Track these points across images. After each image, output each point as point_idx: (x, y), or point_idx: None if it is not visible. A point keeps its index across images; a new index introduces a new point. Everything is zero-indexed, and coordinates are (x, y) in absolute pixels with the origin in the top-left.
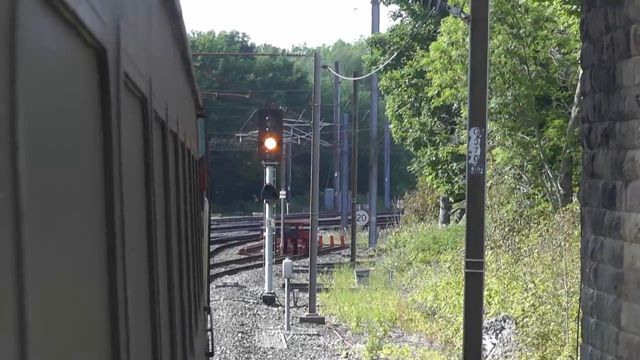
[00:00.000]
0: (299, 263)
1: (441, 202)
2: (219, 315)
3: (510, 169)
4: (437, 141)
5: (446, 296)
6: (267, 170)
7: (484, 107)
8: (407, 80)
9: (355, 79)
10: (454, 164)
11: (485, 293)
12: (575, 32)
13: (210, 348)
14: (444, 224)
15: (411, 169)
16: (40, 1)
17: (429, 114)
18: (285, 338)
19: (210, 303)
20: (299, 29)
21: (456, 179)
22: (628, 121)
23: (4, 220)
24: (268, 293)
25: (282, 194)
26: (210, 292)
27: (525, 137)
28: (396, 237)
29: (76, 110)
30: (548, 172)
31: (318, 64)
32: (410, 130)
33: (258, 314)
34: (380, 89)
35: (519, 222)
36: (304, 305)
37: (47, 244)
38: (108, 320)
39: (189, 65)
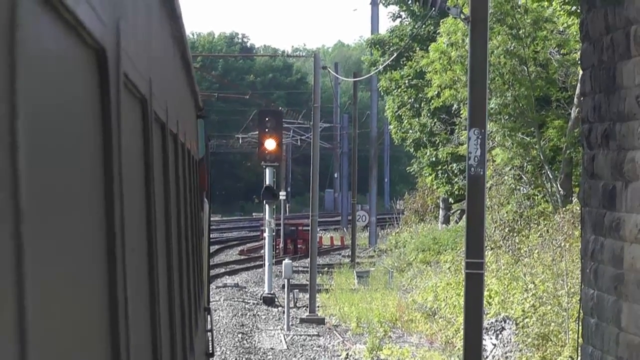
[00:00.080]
0: (299, 264)
1: (441, 203)
2: (219, 316)
3: (510, 169)
4: (437, 142)
5: (446, 297)
6: (267, 171)
7: (484, 107)
8: (406, 81)
9: (355, 79)
10: (454, 165)
11: (486, 294)
12: (575, 33)
13: (210, 349)
14: (444, 225)
15: (411, 170)
16: (40, 2)
17: (428, 114)
18: (285, 339)
19: (211, 304)
20: (298, 30)
21: (456, 179)
22: (628, 122)
23: (4, 220)
24: (268, 294)
25: (282, 195)
26: (211, 293)
27: (525, 137)
28: (396, 238)
29: (76, 110)
30: (548, 172)
31: (318, 64)
32: (410, 131)
33: (258, 315)
34: (379, 89)
35: (519, 222)
36: (304, 306)
37: (47, 244)
38: (108, 320)
39: (188, 66)
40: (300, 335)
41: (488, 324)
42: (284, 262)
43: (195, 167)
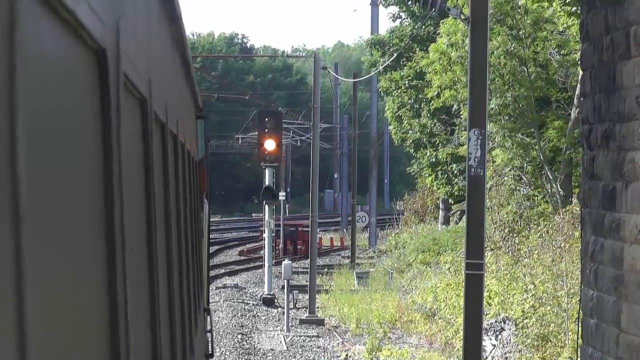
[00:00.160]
0: (299, 264)
1: (441, 204)
2: (219, 317)
3: (510, 170)
4: (436, 142)
5: (446, 297)
6: (267, 171)
7: (484, 108)
8: (406, 82)
9: (355, 80)
10: (454, 166)
11: (485, 294)
12: (575, 34)
13: (209, 349)
14: (443, 226)
15: (411, 171)
16: (39, 2)
17: (428, 115)
18: (284, 339)
19: (210, 304)
20: (298, 31)
21: (456, 180)
22: (628, 122)
23: (4, 220)
24: (268, 294)
25: (282, 196)
26: (210, 294)
27: (525, 138)
28: (396, 239)
29: (76, 111)
30: (548, 173)
31: (317, 65)
32: (410, 131)
33: (258, 316)
34: (379, 90)
35: (519, 223)
36: (303, 307)
37: (47, 244)
38: (108, 321)
39: (188, 67)
40: (300, 336)
41: (488, 324)
42: (283, 262)
43: (195, 167)
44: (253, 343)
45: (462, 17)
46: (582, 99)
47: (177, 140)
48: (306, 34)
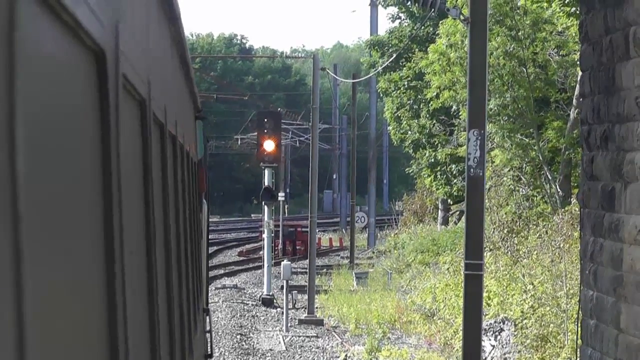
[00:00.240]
0: (298, 265)
1: (440, 204)
2: (218, 317)
3: (509, 170)
4: (435, 143)
5: (445, 298)
6: (266, 172)
7: (483, 108)
8: (405, 83)
9: (354, 81)
10: (453, 166)
11: (485, 295)
12: (574, 34)
13: (209, 350)
14: (442, 226)
15: (410, 171)
16: (39, 3)
17: (427, 116)
18: (283, 340)
19: (209, 305)
20: (297, 31)
21: (455, 180)
22: (627, 123)
23: (2, 221)
24: (267, 295)
25: (281, 196)
26: (209, 294)
27: (524, 138)
28: (395, 239)
29: (75, 112)
30: (547, 173)
31: (317, 66)
32: (409, 132)
33: (257, 316)
34: (378, 91)
35: (518, 223)
36: (302, 307)
37: (45, 246)
38: (107, 321)
39: (187, 68)
40: (299, 336)
41: (487, 325)
42: (282, 263)
43: (194, 168)
44: (252, 343)
45: (462, 17)
46: (581, 99)
47: (176, 141)
48: (305, 35)
